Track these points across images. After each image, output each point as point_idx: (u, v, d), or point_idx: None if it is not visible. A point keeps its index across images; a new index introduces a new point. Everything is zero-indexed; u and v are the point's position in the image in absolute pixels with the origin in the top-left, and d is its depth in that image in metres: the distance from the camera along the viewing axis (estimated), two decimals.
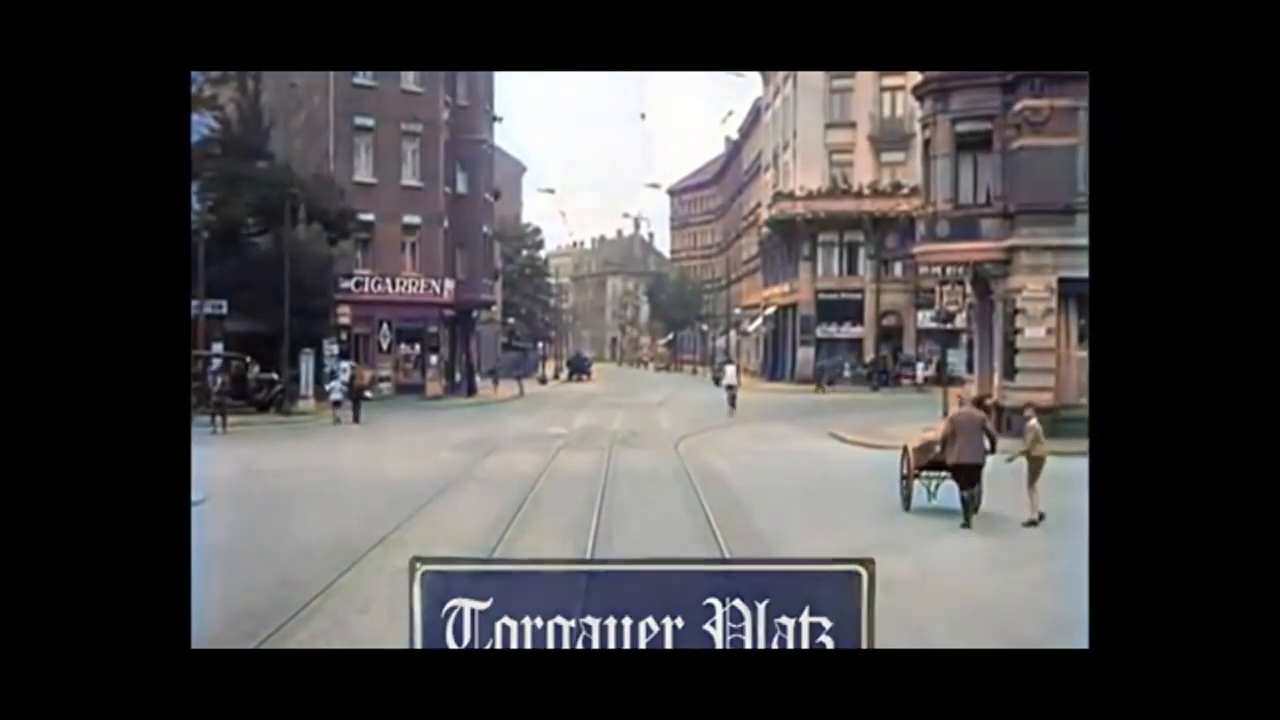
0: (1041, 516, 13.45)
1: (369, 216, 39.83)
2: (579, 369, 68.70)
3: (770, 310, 59.99)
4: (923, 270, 44.89)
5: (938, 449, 14.36)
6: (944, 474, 14.33)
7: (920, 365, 49.87)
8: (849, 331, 53.10)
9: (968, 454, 13.70)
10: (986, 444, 13.82)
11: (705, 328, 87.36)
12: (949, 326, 32.42)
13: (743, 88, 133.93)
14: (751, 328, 67.62)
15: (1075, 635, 4.95)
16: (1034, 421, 14.33)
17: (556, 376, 66.20)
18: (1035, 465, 13.72)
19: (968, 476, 13.72)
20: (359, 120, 40.58)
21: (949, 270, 28.49)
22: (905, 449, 15.26)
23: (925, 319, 50.59)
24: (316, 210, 35.84)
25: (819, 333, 53.30)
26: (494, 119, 49.16)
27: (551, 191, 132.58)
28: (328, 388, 33.04)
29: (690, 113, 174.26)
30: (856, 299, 52.84)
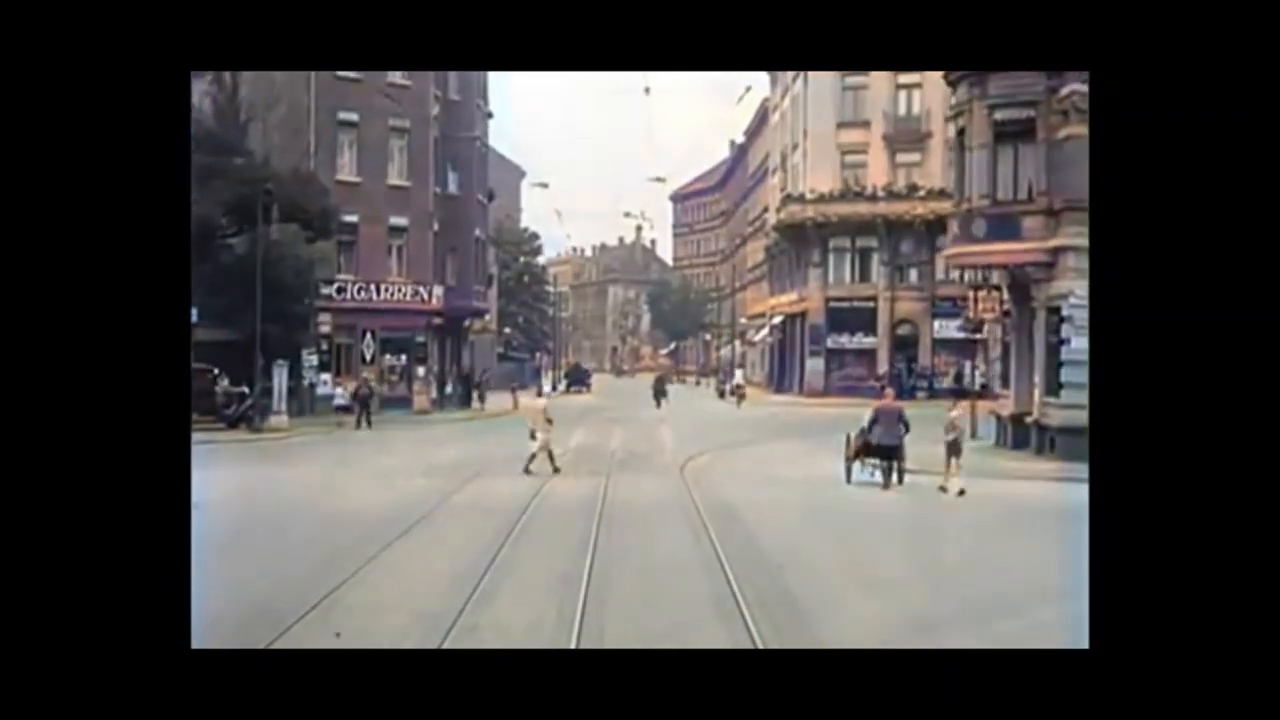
0: (961, 492, 17.18)
1: (352, 217, 37.27)
2: (578, 381, 66.79)
3: (777, 319, 57.62)
4: (953, 274, 42.69)
5: (865, 431, 18.53)
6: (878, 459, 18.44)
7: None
8: (861, 342, 50.65)
9: (886, 437, 18.13)
10: (901, 429, 18.06)
11: (709, 337, 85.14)
12: (979, 336, 29.96)
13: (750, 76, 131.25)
14: (757, 337, 65.37)
15: None
16: (955, 413, 18.96)
17: (555, 388, 64.04)
18: (953, 447, 17.94)
19: (885, 453, 18.19)
20: (342, 115, 37.93)
21: (984, 274, 26.13)
22: (848, 436, 19.20)
23: (941, 329, 48.35)
24: (294, 209, 33.30)
25: (829, 343, 50.80)
26: (487, 115, 46.57)
27: (545, 186, 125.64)
28: (333, 391, 34.04)
29: (695, 98, 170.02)
30: (869, 307, 50.36)
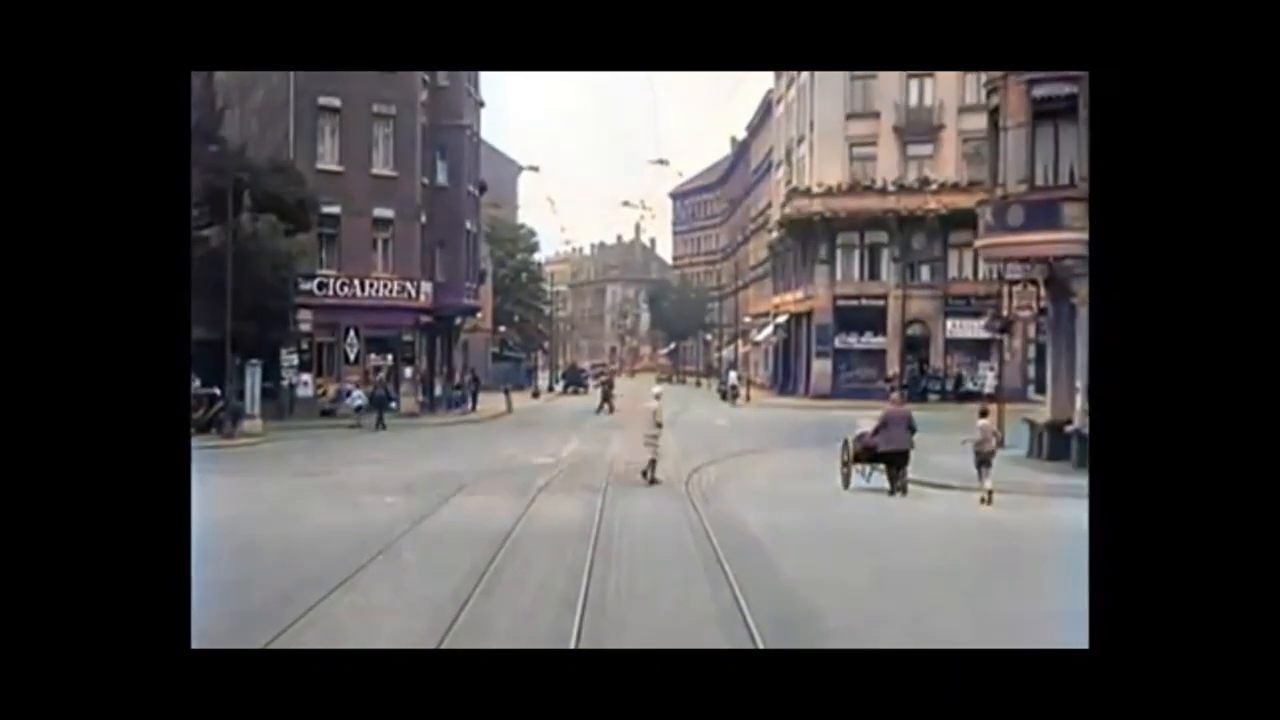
0: (987, 497, 16.61)
1: (334, 209, 35.03)
2: (574, 381, 64.72)
3: (782, 318, 55.42)
4: (966, 272, 40.49)
5: (870, 436, 17.95)
6: (878, 465, 17.95)
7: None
8: (870, 342, 48.37)
9: (896, 443, 17.50)
10: (909, 435, 17.50)
11: (709, 337, 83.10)
12: (1003, 336, 27.79)
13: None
14: (760, 337, 63.22)
15: None
16: (985, 421, 17.89)
17: (551, 388, 62.00)
18: (983, 456, 17.15)
19: (894, 460, 17.57)
20: (323, 100, 35.65)
21: (1003, 267, 23.99)
22: (846, 440, 18.64)
23: (955, 328, 46.23)
24: (270, 199, 31.15)
25: (837, 343, 48.53)
26: (479, 104, 44.30)
27: (536, 169, 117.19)
28: (347, 392, 34.14)
29: (698, 77, 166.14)
30: (879, 306, 48.04)
